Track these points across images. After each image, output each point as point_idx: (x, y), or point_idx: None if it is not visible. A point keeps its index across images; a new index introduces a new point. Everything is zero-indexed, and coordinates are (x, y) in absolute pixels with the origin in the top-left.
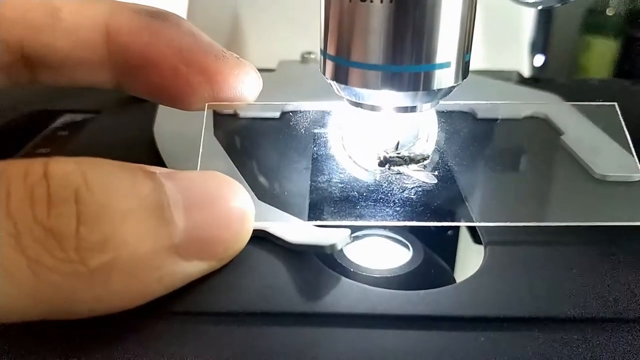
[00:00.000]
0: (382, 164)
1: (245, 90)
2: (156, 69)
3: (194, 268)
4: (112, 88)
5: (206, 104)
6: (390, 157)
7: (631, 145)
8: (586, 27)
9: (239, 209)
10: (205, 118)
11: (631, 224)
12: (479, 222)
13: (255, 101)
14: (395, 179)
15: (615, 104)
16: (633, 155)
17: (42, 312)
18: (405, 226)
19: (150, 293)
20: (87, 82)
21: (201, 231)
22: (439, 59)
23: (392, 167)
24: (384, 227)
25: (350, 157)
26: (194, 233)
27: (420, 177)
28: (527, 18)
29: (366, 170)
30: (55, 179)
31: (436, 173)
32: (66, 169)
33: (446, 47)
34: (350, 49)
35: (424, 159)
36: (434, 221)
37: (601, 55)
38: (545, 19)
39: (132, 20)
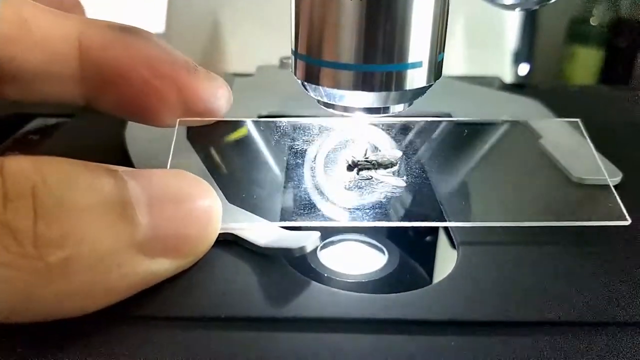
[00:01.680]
0: (350, 168)
1: (216, 104)
2: (128, 82)
3: (159, 266)
4: (80, 104)
5: (177, 120)
6: (358, 161)
7: (597, 157)
8: (570, 37)
9: (205, 208)
10: (176, 133)
11: (603, 224)
12: (451, 222)
13: (231, 107)
14: (365, 184)
15: (579, 120)
16: (600, 167)
17: (2, 312)
18: (382, 231)
19: (114, 292)
20: (55, 97)
21: (165, 229)
22: (411, 58)
23: (360, 172)
24: (359, 232)
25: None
26: (157, 231)
27: (389, 181)
28: (511, 27)
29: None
30: (11, 175)
31: (405, 178)
32: (22, 166)
33: (418, 46)
34: (321, 48)
35: (393, 165)
36: (406, 221)
37: (585, 63)
38: (529, 27)
39: (105, 34)
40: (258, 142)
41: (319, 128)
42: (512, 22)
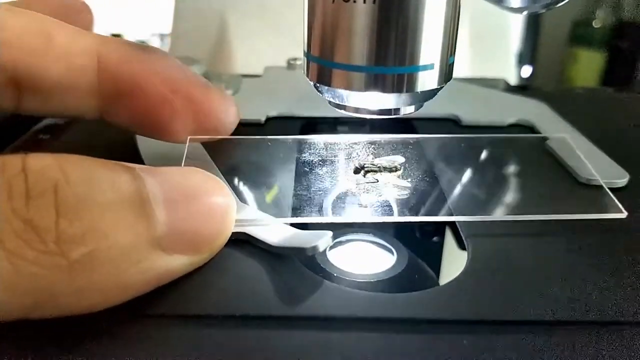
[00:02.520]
0: (357, 171)
1: (227, 120)
2: (144, 95)
3: (177, 262)
4: (95, 117)
5: (188, 137)
6: (364, 165)
7: (593, 171)
8: (573, 39)
9: (220, 204)
10: (186, 151)
11: (601, 217)
12: (456, 217)
13: (240, 108)
14: (372, 186)
15: (566, 136)
16: (590, 169)
17: (24, 307)
18: (390, 231)
19: (133, 288)
20: (72, 110)
21: (182, 225)
22: (423, 60)
23: (367, 174)
24: (368, 232)
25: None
26: (175, 227)
27: (395, 183)
28: (515, 29)
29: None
30: (33, 173)
31: (409, 180)
32: (44, 163)
33: (430, 48)
34: (334, 50)
35: (397, 169)
36: (413, 216)
37: (587, 66)
38: (533, 30)
39: (123, 49)
40: (269, 146)
41: (325, 144)
42: (515, 25)
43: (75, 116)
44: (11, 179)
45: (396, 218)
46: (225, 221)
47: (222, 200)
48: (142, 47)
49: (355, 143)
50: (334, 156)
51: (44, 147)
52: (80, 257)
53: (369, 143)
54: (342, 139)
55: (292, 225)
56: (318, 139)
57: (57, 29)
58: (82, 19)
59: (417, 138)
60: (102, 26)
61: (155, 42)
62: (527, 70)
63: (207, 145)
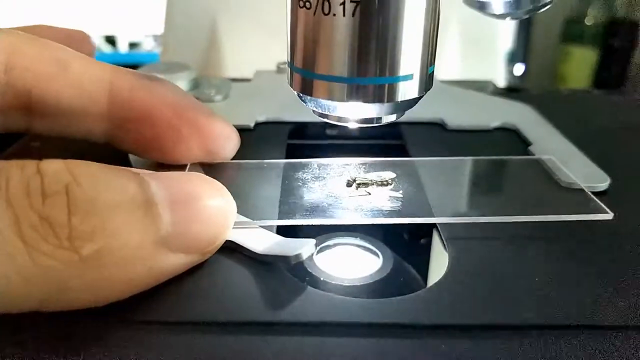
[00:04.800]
0: (349, 184)
1: (229, 145)
2: (152, 121)
3: (180, 260)
4: (101, 140)
5: (188, 164)
6: (356, 178)
7: (573, 177)
8: (565, 37)
9: (221, 206)
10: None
11: (587, 218)
12: (438, 218)
13: (229, 113)
14: (364, 199)
15: (550, 157)
16: (568, 173)
17: (37, 299)
18: (377, 235)
19: (139, 284)
20: (80, 133)
21: (185, 226)
22: (402, 71)
23: (359, 188)
24: (355, 236)
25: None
26: (179, 227)
27: (386, 196)
28: (506, 28)
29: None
30: (47, 174)
31: (401, 193)
32: (56, 167)
33: (409, 59)
34: (315, 61)
35: (388, 183)
36: (396, 217)
37: (580, 64)
38: (524, 27)
39: (133, 79)
40: (256, 156)
41: (318, 164)
42: (505, 25)
43: (83, 138)
44: (29, 177)
45: (378, 220)
46: (226, 222)
47: (223, 202)
48: (151, 77)
49: (347, 164)
50: (327, 173)
51: (35, 155)
52: (91, 253)
53: (361, 164)
54: (334, 161)
55: (280, 231)
56: (310, 161)
57: (72, 58)
58: (84, 48)
59: (407, 160)
60: (97, 28)
61: (148, 43)
62: (519, 69)
63: (205, 166)
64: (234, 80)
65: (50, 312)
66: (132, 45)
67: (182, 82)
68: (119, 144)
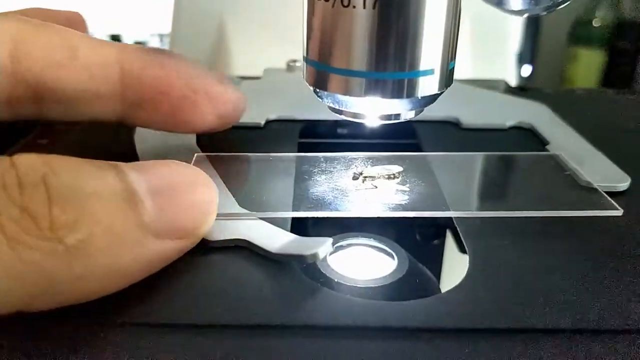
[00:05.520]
0: (355, 177)
1: (240, 106)
2: (167, 97)
3: (167, 247)
4: (115, 121)
5: (195, 154)
6: (362, 172)
7: (594, 184)
8: (573, 38)
9: (203, 193)
10: (192, 164)
11: (597, 214)
12: (456, 216)
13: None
14: (371, 193)
15: (561, 153)
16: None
17: (25, 296)
18: (390, 236)
19: (128, 274)
20: (94, 116)
21: (168, 212)
22: (423, 66)
23: (365, 181)
24: (369, 237)
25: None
26: (161, 214)
27: (392, 189)
28: (515, 29)
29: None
30: (22, 167)
31: (408, 186)
32: (31, 160)
33: (430, 53)
34: (333, 55)
35: (395, 177)
36: (412, 211)
37: (587, 65)
38: (533, 29)
39: (142, 56)
40: (270, 161)
41: (324, 158)
42: (515, 25)
43: (96, 121)
44: (3, 172)
45: (392, 213)
46: (209, 208)
47: (205, 190)
48: (160, 51)
49: (355, 158)
50: (333, 167)
51: (40, 152)
52: (75, 243)
53: (368, 158)
54: (341, 155)
55: (292, 231)
56: (317, 155)
57: (80, 41)
58: (82, 30)
59: (415, 155)
60: (102, 26)
61: (154, 42)
62: (527, 70)
63: (212, 158)
64: (243, 78)
65: (43, 314)
66: (138, 44)
67: None
68: (132, 121)
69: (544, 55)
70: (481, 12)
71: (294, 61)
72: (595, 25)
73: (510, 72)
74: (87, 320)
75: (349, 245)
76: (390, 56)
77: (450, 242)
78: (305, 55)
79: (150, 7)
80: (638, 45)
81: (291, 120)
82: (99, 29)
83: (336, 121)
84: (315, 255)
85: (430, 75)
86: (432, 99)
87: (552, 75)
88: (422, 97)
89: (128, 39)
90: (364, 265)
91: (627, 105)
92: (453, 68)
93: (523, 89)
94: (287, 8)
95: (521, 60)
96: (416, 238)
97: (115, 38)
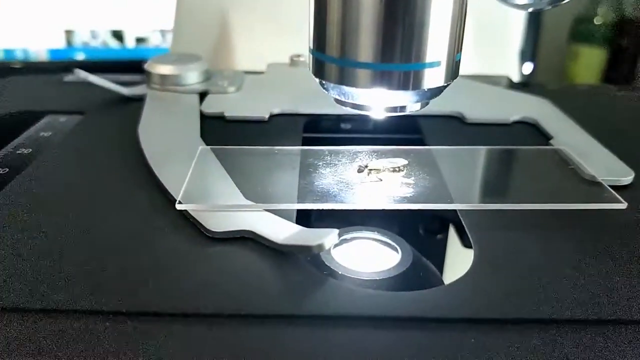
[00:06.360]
0: (360, 170)
1: None
2: None
3: None
4: None
5: (199, 147)
6: (367, 165)
7: (598, 177)
8: (574, 36)
9: None
10: (196, 157)
11: (602, 207)
12: (461, 208)
13: (245, 104)
14: (376, 185)
15: (565, 148)
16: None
17: None
18: (394, 229)
19: None
20: None
21: None
22: (429, 57)
23: (370, 173)
24: (373, 230)
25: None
26: None
27: (397, 182)
28: (516, 27)
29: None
30: None
31: (413, 179)
32: None
33: (436, 45)
34: (339, 47)
35: (400, 170)
36: (417, 203)
37: (588, 63)
38: (534, 26)
39: None
40: (275, 154)
41: (329, 151)
42: (516, 22)
43: None
44: None
45: (397, 205)
46: None
47: None
48: None
49: (359, 151)
50: (338, 160)
51: (44, 144)
52: None
53: (373, 151)
54: (345, 149)
55: (297, 224)
56: (322, 148)
57: None
58: None
59: (420, 149)
60: (103, 22)
61: (156, 39)
62: (528, 68)
63: (217, 151)
64: (247, 73)
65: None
66: (139, 40)
67: (195, 74)
68: None
69: (545, 53)
70: (483, 11)
71: (298, 56)
72: (596, 23)
73: (513, 70)
74: (90, 309)
75: (354, 238)
76: (397, 47)
77: (453, 237)
78: (311, 47)
79: (153, 3)
80: (639, 44)
81: (295, 115)
82: (100, 25)
83: (340, 115)
84: (321, 246)
85: (437, 67)
86: (438, 91)
87: (553, 73)
88: (428, 89)
89: (130, 35)
90: (368, 258)
91: (629, 101)
92: (459, 60)
93: (526, 85)
94: (290, 3)
95: (522, 57)
96: (420, 233)
97: (117, 34)
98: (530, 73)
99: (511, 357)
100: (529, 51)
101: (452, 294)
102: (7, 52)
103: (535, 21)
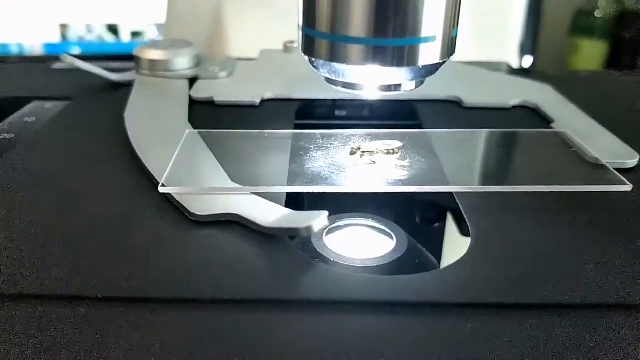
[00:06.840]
0: (353, 152)
1: None
2: None
3: None
4: None
5: (187, 131)
6: (360, 147)
7: (602, 160)
8: (574, 29)
9: None
10: (183, 140)
11: (607, 189)
12: (459, 191)
13: (236, 91)
14: (370, 168)
15: (567, 131)
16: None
17: None
18: (389, 216)
19: None
20: None
21: None
22: (424, 32)
23: (364, 156)
24: (367, 217)
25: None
26: None
27: (391, 164)
28: (516, 19)
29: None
30: None
31: (408, 161)
32: None
33: (431, 19)
34: (329, 22)
35: (394, 152)
36: (412, 185)
37: (589, 56)
38: (534, 19)
39: None
40: (265, 137)
41: (321, 135)
42: (517, 14)
43: None
44: None
45: (391, 188)
46: None
47: None
48: None
49: (352, 135)
50: (330, 144)
51: (28, 129)
52: None
53: (366, 135)
54: (338, 132)
55: (287, 206)
56: (314, 132)
57: None
58: None
59: (416, 132)
60: (99, 16)
61: (152, 33)
62: (528, 61)
63: (204, 135)
64: (240, 59)
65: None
66: (135, 34)
67: (185, 59)
68: None
69: (545, 45)
70: (483, 4)
71: (291, 42)
72: (597, 15)
73: (512, 62)
74: (70, 294)
75: (347, 225)
76: (390, 22)
77: (451, 225)
78: (301, 24)
79: None
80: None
81: (287, 100)
82: (95, 19)
83: (335, 101)
84: (309, 229)
85: (432, 42)
86: (434, 68)
87: (553, 65)
88: (423, 66)
89: (125, 29)
90: (361, 245)
91: (630, 85)
92: (456, 36)
93: (526, 71)
94: None
95: (522, 50)
96: (416, 221)
97: (113, 28)
98: (531, 66)
99: (509, 341)
100: (529, 44)
101: (448, 279)
102: (2, 46)
103: (535, 14)
